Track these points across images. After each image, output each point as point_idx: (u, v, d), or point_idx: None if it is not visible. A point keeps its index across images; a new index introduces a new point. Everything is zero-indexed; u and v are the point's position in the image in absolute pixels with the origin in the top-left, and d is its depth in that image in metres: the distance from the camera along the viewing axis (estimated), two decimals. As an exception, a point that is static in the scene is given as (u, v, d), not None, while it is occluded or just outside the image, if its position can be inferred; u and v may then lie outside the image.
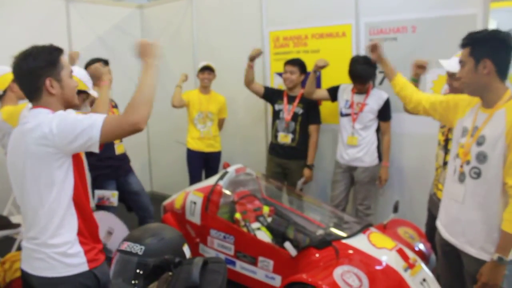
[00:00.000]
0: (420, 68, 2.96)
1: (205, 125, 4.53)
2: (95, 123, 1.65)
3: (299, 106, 4.00)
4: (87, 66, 3.70)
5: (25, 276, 1.87)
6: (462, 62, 2.04)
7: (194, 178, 4.53)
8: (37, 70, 1.75)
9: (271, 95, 4.18)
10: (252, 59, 4.06)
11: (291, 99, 4.05)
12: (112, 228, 3.26)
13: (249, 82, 4.16)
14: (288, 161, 4.04)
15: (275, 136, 4.11)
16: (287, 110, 4.03)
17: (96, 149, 1.70)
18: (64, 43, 4.87)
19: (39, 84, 1.76)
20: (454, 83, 2.57)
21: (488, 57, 1.94)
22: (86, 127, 1.65)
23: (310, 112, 4.01)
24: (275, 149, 4.13)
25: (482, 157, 1.97)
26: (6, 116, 2.95)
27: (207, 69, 4.48)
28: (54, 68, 1.78)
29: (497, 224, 1.97)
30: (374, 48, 2.82)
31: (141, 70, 1.80)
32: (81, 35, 5.02)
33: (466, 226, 2.07)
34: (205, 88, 4.54)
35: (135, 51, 1.82)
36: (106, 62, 3.65)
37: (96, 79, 3.11)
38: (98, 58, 3.58)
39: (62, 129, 1.66)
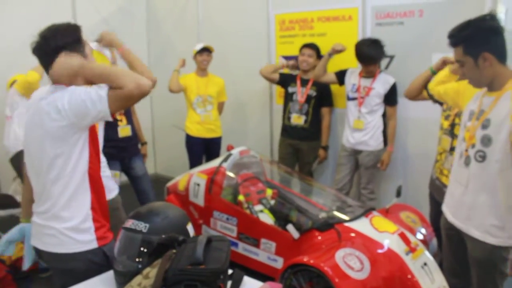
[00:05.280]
0: (445, 64, 2.82)
1: (205, 109, 4.39)
2: (101, 95, 1.66)
3: (312, 89, 4.06)
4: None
5: (36, 251, 1.90)
6: (460, 62, 2.01)
7: (195, 165, 4.41)
8: (66, 46, 1.75)
9: (285, 80, 4.21)
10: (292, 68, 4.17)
11: (304, 82, 4.10)
12: None
13: (270, 72, 4.18)
14: (300, 142, 4.12)
15: (288, 118, 4.16)
16: (301, 92, 4.07)
17: (109, 119, 1.72)
18: (68, 23, 4.85)
19: None
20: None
21: (484, 50, 1.92)
22: (95, 101, 1.65)
23: (323, 95, 4.08)
24: (287, 130, 4.19)
25: (486, 140, 1.96)
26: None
27: (206, 51, 4.31)
28: (81, 44, 1.80)
29: (503, 208, 1.97)
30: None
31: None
32: (86, 16, 4.98)
33: (471, 210, 2.07)
34: (202, 71, 4.38)
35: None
36: None
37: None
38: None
39: (73, 104, 1.66)
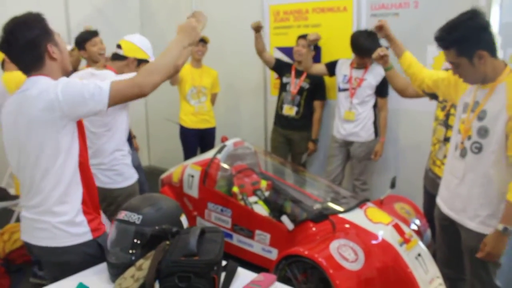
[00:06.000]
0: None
1: (198, 100, 4.39)
2: (103, 87, 1.66)
3: (305, 81, 4.05)
4: (78, 39, 3.67)
5: (27, 246, 1.87)
6: (454, 64, 2.00)
7: (189, 157, 4.40)
8: (36, 39, 1.71)
9: (280, 67, 4.21)
10: (256, 31, 4.05)
11: (298, 73, 4.09)
12: None
13: (259, 51, 4.14)
14: (292, 131, 4.14)
15: (280, 107, 4.17)
16: (294, 83, 4.07)
17: (103, 113, 1.72)
18: (61, 14, 4.80)
19: (40, 52, 1.72)
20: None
21: (477, 48, 1.92)
22: (94, 92, 1.65)
23: (316, 88, 4.07)
24: (280, 120, 4.20)
25: (483, 132, 1.97)
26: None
27: (201, 41, 4.27)
28: (50, 33, 1.76)
29: (497, 198, 1.98)
30: (380, 28, 2.76)
31: (172, 40, 1.86)
32: (78, 7, 4.93)
33: (466, 201, 2.08)
34: (197, 62, 4.37)
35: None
36: (95, 33, 3.63)
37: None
38: (87, 31, 3.58)
39: (69, 94, 1.64)
